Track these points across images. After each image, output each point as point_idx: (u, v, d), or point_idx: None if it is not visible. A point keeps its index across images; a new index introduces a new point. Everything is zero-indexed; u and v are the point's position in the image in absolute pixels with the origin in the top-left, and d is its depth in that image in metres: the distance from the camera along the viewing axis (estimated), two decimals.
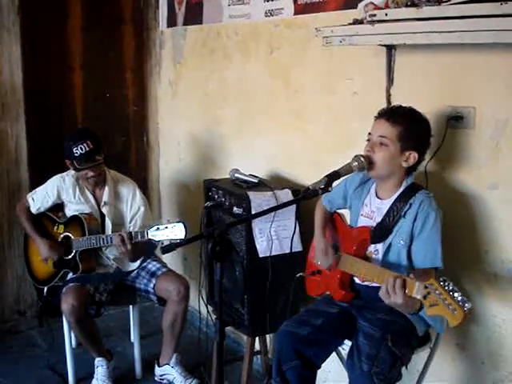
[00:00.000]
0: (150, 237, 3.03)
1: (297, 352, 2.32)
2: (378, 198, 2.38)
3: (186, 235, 2.94)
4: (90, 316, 3.22)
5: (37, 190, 3.43)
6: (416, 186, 2.31)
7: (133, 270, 3.40)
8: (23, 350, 3.79)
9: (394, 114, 2.25)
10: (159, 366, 3.41)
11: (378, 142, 2.25)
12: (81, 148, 3.16)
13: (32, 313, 4.07)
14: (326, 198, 2.61)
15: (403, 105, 2.30)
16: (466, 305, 1.81)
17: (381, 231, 2.30)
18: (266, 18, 3.24)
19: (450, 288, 1.84)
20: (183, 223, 2.97)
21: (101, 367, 3.30)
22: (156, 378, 3.44)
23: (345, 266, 2.35)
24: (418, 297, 1.94)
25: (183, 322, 3.32)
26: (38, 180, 3.55)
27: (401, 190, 2.30)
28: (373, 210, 2.37)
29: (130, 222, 3.37)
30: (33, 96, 3.92)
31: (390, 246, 2.28)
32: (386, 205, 2.32)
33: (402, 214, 2.25)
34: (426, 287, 1.91)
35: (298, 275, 2.64)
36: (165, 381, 3.40)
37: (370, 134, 2.30)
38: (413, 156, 2.24)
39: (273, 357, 2.48)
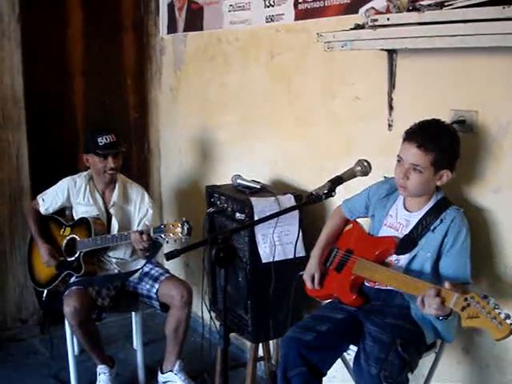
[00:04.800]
0: (154, 235, 3.04)
1: (302, 358, 2.31)
2: (406, 210, 2.37)
3: (190, 234, 2.96)
4: (92, 320, 3.21)
5: (47, 190, 3.46)
6: (446, 200, 2.30)
7: (135, 271, 3.39)
8: (25, 358, 3.78)
9: (425, 140, 2.19)
10: (162, 373, 3.39)
11: (411, 168, 2.23)
12: (105, 138, 3.26)
13: (34, 320, 4.05)
14: (346, 206, 2.61)
15: (429, 119, 2.26)
16: (508, 320, 1.84)
17: (407, 243, 2.30)
18: (266, 24, 3.24)
19: (492, 303, 1.87)
20: (188, 222, 2.97)
21: (103, 374, 3.28)
22: None
23: (361, 270, 2.34)
24: (456, 308, 1.95)
25: (186, 327, 3.31)
26: (39, 187, 3.54)
27: (431, 204, 2.30)
28: (400, 221, 2.36)
29: (138, 225, 3.38)
30: (34, 103, 3.91)
31: (414, 257, 2.28)
32: (414, 218, 2.32)
33: (432, 228, 2.25)
34: (466, 299, 1.92)
35: (300, 274, 2.63)
36: None
37: (400, 156, 2.27)
38: (446, 174, 2.24)
39: (278, 363, 2.47)
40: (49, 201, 3.42)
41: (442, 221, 2.24)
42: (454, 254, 2.22)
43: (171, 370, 3.34)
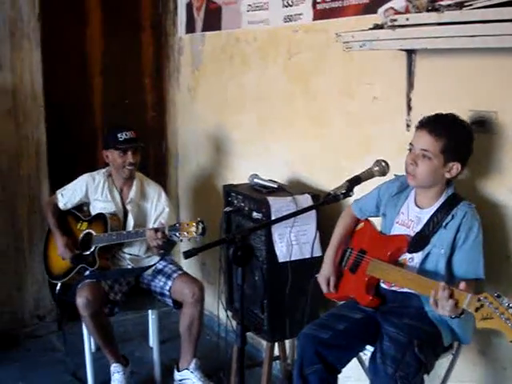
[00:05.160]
0: (168, 232, 3.07)
1: (318, 355, 2.32)
2: (418, 206, 2.36)
3: (204, 234, 2.97)
4: (104, 314, 3.24)
5: (67, 186, 3.51)
6: (457, 196, 2.29)
7: (148, 267, 3.41)
8: (42, 355, 3.81)
9: (437, 127, 2.20)
10: (178, 371, 3.41)
11: (421, 155, 2.22)
12: (125, 134, 3.34)
13: (51, 317, 4.10)
14: (357, 206, 2.61)
15: (444, 112, 2.26)
16: None
17: (419, 241, 2.29)
18: (284, 24, 3.25)
19: (506, 303, 1.85)
20: (202, 222, 2.99)
21: (117, 373, 3.29)
22: (175, 383, 3.43)
23: (375, 271, 2.34)
24: (469, 309, 1.93)
25: (200, 324, 3.32)
26: (58, 185, 3.57)
27: (442, 200, 2.29)
28: (411, 218, 2.35)
29: (154, 223, 3.41)
30: (53, 102, 3.96)
31: (428, 254, 2.27)
32: (426, 214, 2.31)
33: (444, 224, 2.24)
34: (479, 300, 1.90)
35: (316, 276, 2.64)
36: None
37: (411, 144, 2.27)
38: (456, 167, 2.22)
39: (295, 361, 2.47)
40: (67, 196, 3.47)
41: (453, 217, 2.23)
42: (466, 250, 2.20)
43: (187, 368, 3.36)
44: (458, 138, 2.21)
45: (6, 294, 3.97)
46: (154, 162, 4.50)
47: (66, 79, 4.05)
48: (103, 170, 3.48)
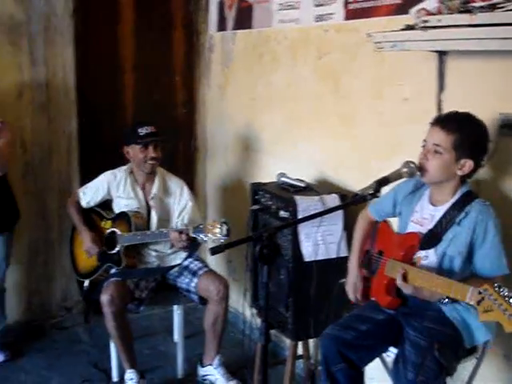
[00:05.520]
0: (192, 235, 3.09)
1: (341, 355, 2.33)
2: (432, 204, 2.35)
3: (229, 235, 2.98)
4: (129, 311, 3.29)
5: (88, 184, 3.54)
6: (472, 194, 2.27)
7: (174, 266, 3.44)
8: (68, 346, 3.88)
9: (449, 122, 2.20)
10: (202, 367, 3.44)
11: (433, 150, 2.22)
12: (146, 129, 3.36)
13: (78, 309, 4.17)
14: (373, 207, 2.61)
15: (460, 111, 2.25)
16: None
17: (431, 237, 2.28)
18: (315, 23, 3.25)
19: (506, 293, 1.82)
20: (226, 223, 3.00)
21: (130, 381, 3.26)
22: (198, 378, 3.46)
23: (392, 272, 2.33)
24: (472, 302, 1.92)
25: (224, 321, 3.35)
26: (88, 180, 3.61)
27: (456, 197, 2.27)
28: (425, 216, 2.35)
29: (178, 217, 3.43)
30: (85, 98, 4.02)
31: (444, 254, 2.25)
32: (439, 211, 2.30)
33: (457, 221, 2.22)
34: (479, 293, 1.89)
35: (342, 281, 2.64)
36: (207, 381, 3.43)
37: (424, 140, 2.27)
38: (468, 164, 2.20)
39: (320, 360, 2.48)
40: (89, 194, 3.50)
41: (466, 214, 2.21)
42: (487, 248, 2.19)
43: (211, 364, 3.38)
44: (470, 135, 2.19)
45: (35, 286, 4.05)
46: (183, 159, 4.54)
47: (99, 75, 4.11)
48: (124, 167, 3.48)
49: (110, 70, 4.17)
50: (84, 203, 3.51)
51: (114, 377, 3.44)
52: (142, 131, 3.34)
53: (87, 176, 3.75)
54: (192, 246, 3.25)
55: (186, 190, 3.50)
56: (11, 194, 3.55)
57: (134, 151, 3.38)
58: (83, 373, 3.54)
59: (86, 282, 3.45)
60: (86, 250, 3.41)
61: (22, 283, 3.99)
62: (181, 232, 3.13)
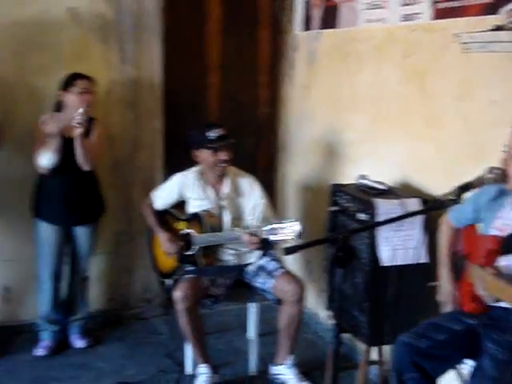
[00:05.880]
0: (264, 236, 3.10)
1: (415, 364, 2.27)
2: None
3: (300, 235, 2.97)
4: (204, 307, 3.33)
5: (161, 187, 3.61)
6: None
7: (247, 264, 3.45)
8: (146, 337, 3.98)
9: None
10: (274, 365, 3.44)
11: None
12: (214, 132, 3.34)
13: (157, 302, 4.27)
14: (453, 214, 2.53)
15: None
16: None
17: (510, 242, 2.19)
18: (401, 23, 3.17)
19: None
20: (298, 224, 2.98)
21: (203, 375, 3.29)
22: (270, 377, 3.47)
23: (474, 278, 2.25)
24: None
25: (299, 323, 3.33)
26: (171, 176, 3.68)
27: None
28: (507, 223, 2.26)
29: (250, 215, 3.44)
30: (171, 95, 4.09)
31: None
32: None
33: None
34: None
35: (433, 284, 2.58)
36: (279, 380, 3.43)
37: (506, 145, 2.18)
38: None
39: (391, 367, 2.43)
40: (162, 197, 3.56)
41: None
42: None
43: (283, 364, 3.38)
44: None
45: (117, 277, 4.18)
46: (264, 157, 4.55)
47: (184, 73, 4.18)
48: (195, 169, 3.49)
49: (196, 67, 4.24)
50: (158, 206, 3.58)
51: (188, 370, 3.49)
52: (212, 135, 3.33)
53: (171, 172, 3.79)
54: (265, 246, 3.25)
55: (257, 187, 3.49)
56: (98, 188, 3.70)
57: (204, 155, 3.39)
58: (159, 363, 3.62)
59: (168, 281, 3.50)
60: (164, 250, 3.47)
61: (105, 273, 4.13)
62: (252, 234, 3.14)
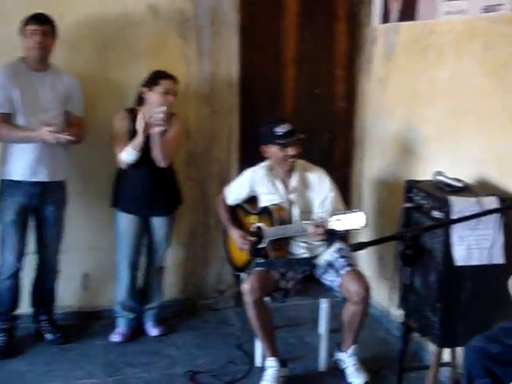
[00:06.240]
0: (329, 227, 3.09)
1: (486, 370, 2.21)
2: None
3: (365, 226, 2.98)
4: (274, 300, 3.36)
5: (232, 183, 3.68)
6: None
7: (315, 257, 3.45)
8: (217, 327, 4.05)
9: None
10: (339, 351, 3.47)
11: None
12: (282, 127, 3.36)
13: (230, 293, 4.33)
14: None
15: None
16: None
17: None
18: (482, 15, 3.06)
19: None
20: (363, 213, 2.97)
21: (271, 368, 3.31)
22: (333, 359, 3.51)
23: None
24: None
25: (362, 321, 3.32)
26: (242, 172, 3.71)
27: None
28: None
29: (320, 208, 3.42)
30: (247, 89, 4.13)
31: None
32: None
33: None
34: None
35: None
36: (340, 366, 3.45)
37: None
38: None
39: (462, 371, 2.37)
40: (234, 193, 3.62)
41: None
42: None
43: (345, 351, 3.41)
44: None
45: (192, 268, 4.26)
46: (340, 152, 4.52)
47: (260, 67, 4.21)
48: (264, 164, 3.53)
49: (272, 62, 4.25)
50: (230, 201, 3.65)
51: (258, 362, 3.53)
52: (280, 131, 3.34)
53: (246, 166, 3.82)
54: (331, 237, 3.25)
55: (326, 179, 3.48)
56: (175, 180, 3.79)
57: (272, 151, 3.41)
58: (229, 354, 3.67)
59: (243, 275, 3.54)
60: (238, 247, 3.52)
61: (181, 263, 4.23)
62: (318, 225, 3.13)
